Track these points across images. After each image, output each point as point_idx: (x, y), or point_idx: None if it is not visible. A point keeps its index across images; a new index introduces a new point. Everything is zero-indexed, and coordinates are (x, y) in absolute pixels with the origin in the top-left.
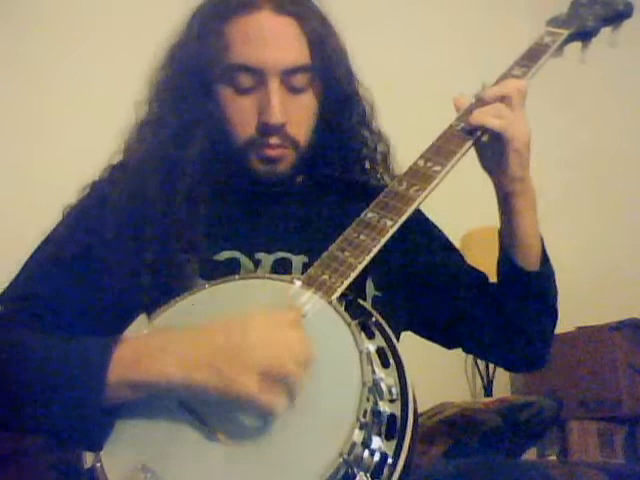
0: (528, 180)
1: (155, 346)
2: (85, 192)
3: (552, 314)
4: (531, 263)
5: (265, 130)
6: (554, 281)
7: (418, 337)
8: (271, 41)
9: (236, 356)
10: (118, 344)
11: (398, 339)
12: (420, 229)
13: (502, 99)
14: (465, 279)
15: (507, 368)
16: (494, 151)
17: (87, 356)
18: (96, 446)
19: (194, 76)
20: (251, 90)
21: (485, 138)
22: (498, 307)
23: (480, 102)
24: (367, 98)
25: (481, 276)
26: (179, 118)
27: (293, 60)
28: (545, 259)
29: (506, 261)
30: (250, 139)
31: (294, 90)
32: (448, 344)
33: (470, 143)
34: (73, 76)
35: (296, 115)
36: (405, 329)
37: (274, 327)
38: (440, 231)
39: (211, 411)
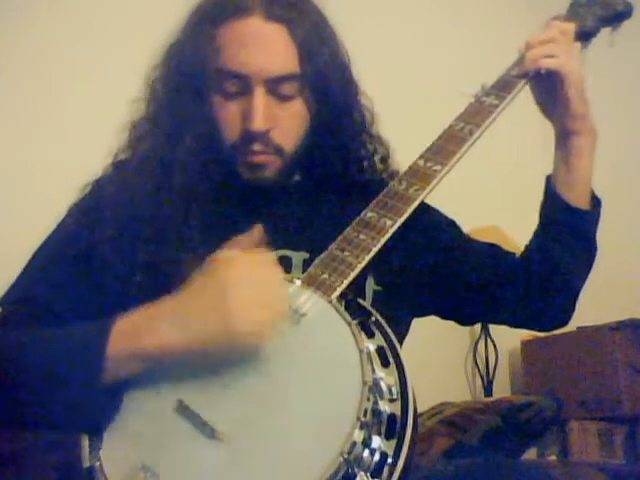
0: (590, 118)
1: (151, 316)
2: (86, 191)
3: (592, 259)
4: (583, 203)
5: (248, 136)
6: (596, 229)
7: (417, 337)
8: (258, 48)
9: (225, 298)
10: (116, 321)
11: (407, 331)
12: (421, 216)
13: (548, 42)
14: (478, 253)
15: (534, 327)
16: (553, 92)
17: (87, 335)
18: (96, 429)
19: (187, 77)
20: (238, 96)
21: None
22: (528, 264)
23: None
24: (366, 104)
25: (493, 246)
26: (174, 118)
27: (279, 69)
28: (594, 203)
29: (557, 203)
30: (234, 144)
31: (281, 97)
32: (468, 321)
33: (524, 83)
34: (76, 74)
35: (282, 122)
36: (418, 315)
37: (251, 267)
38: (440, 213)
39: (210, 408)
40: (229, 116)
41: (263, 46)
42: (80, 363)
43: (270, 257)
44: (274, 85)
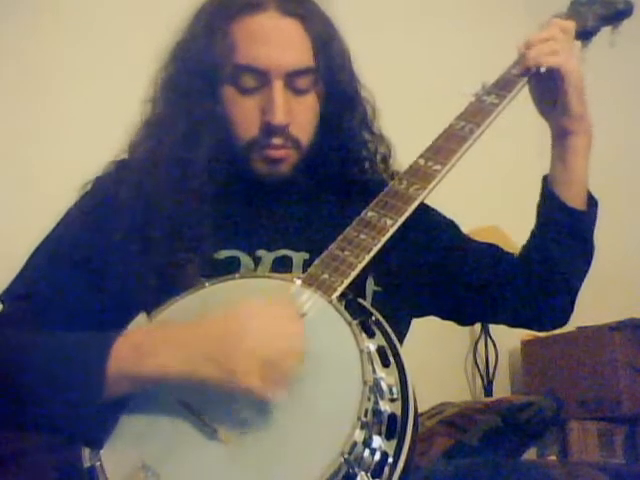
0: (587, 119)
1: (154, 340)
2: (87, 189)
3: (589, 259)
4: (579, 204)
5: (268, 130)
6: (593, 229)
7: (417, 337)
8: (276, 42)
9: (234, 347)
10: (117, 339)
11: (406, 330)
12: (421, 216)
13: (548, 40)
14: (477, 253)
15: (533, 327)
16: (552, 91)
17: (87, 351)
18: (96, 442)
19: (199, 75)
20: (255, 90)
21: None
22: (527, 264)
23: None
24: (369, 100)
25: (493, 246)
26: (183, 117)
27: (297, 62)
28: (591, 203)
29: (553, 202)
30: (253, 139)
31: (297, 91)
32: (467, 321)
33: (524, 81)
34: (76, 74)
35: (299, 116)
36: (418, 316)
37: (272, 318)
38: (439, 213)
39: (210, 409)
40: (246, 111)
41: (281, 40)
42: (79, 383)
43: (297, 315)
44: (291, 79)
